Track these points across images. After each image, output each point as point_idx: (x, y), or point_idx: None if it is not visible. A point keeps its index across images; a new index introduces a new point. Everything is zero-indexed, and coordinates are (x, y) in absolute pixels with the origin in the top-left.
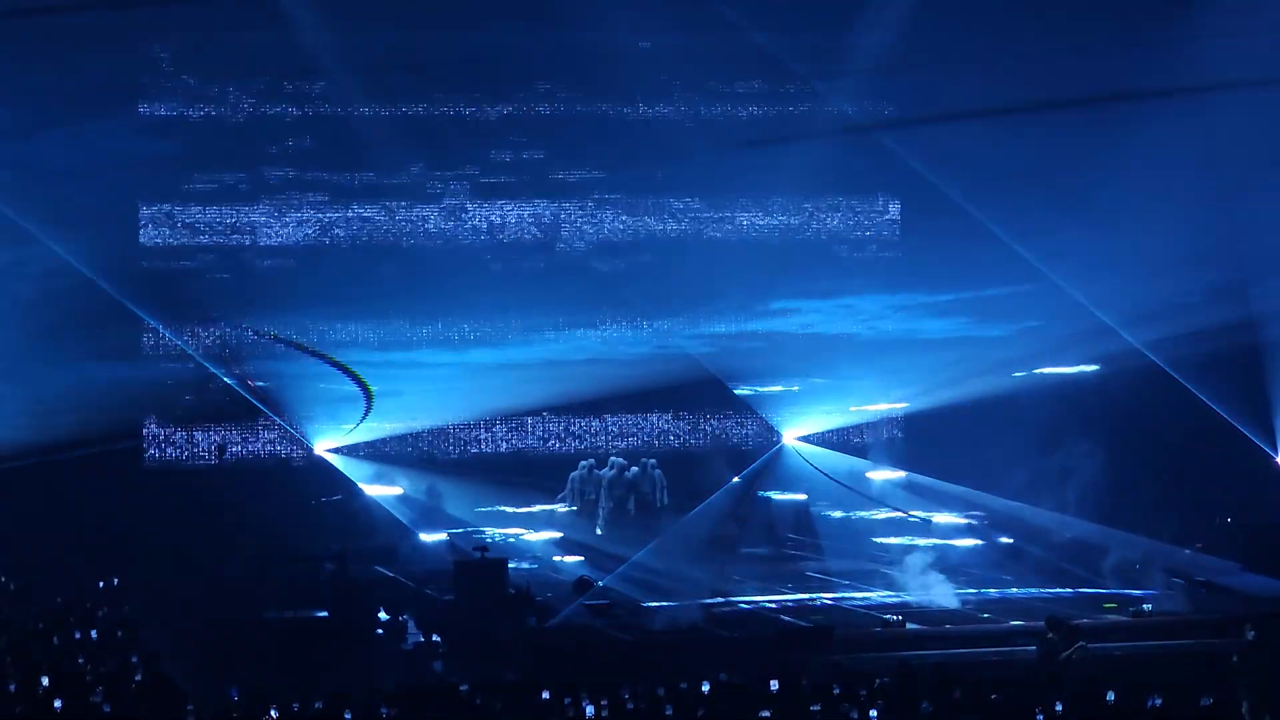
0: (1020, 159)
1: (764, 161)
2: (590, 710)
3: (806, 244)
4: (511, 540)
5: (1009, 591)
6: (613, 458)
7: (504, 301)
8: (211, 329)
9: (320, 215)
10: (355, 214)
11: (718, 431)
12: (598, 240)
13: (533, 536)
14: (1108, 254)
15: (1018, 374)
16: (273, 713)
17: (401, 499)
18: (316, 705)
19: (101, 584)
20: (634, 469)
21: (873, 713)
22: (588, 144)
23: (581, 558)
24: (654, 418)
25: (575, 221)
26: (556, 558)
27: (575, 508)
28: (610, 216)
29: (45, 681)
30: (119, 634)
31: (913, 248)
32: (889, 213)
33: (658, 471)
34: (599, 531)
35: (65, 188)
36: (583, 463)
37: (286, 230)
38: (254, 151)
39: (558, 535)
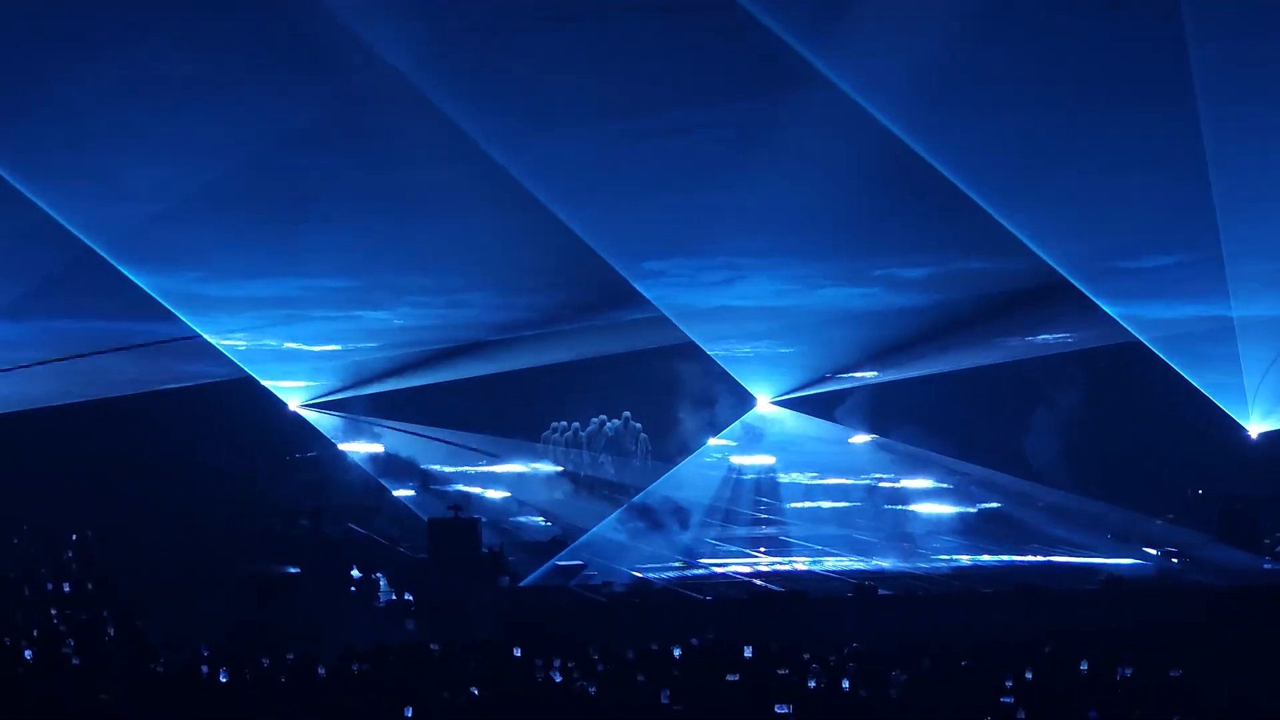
0: (1004, 133)
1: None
2: (559, 677)
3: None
4: (485, 498)
5: (980, 558)
6: (599, 417)
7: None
8: None
9: None
10: None
11: (696, 391)
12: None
13: (504, 495)
14: (1088, 228)
15: (996, 344)
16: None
17: (376, 456)
18: (289, 654)
19: (75, 536)
20: (614, 422)
21: (845, 682)
22: None
23: (550, 521)
24: (635, 374)
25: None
26: (530, 517)
27: (555, 465)
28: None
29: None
30: (89, 586)
31: (892, 217)
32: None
33: (638, 424)
34: (579, 488)
35: None
36: (558, 424)
37: None
38: None
39: (535, 493)
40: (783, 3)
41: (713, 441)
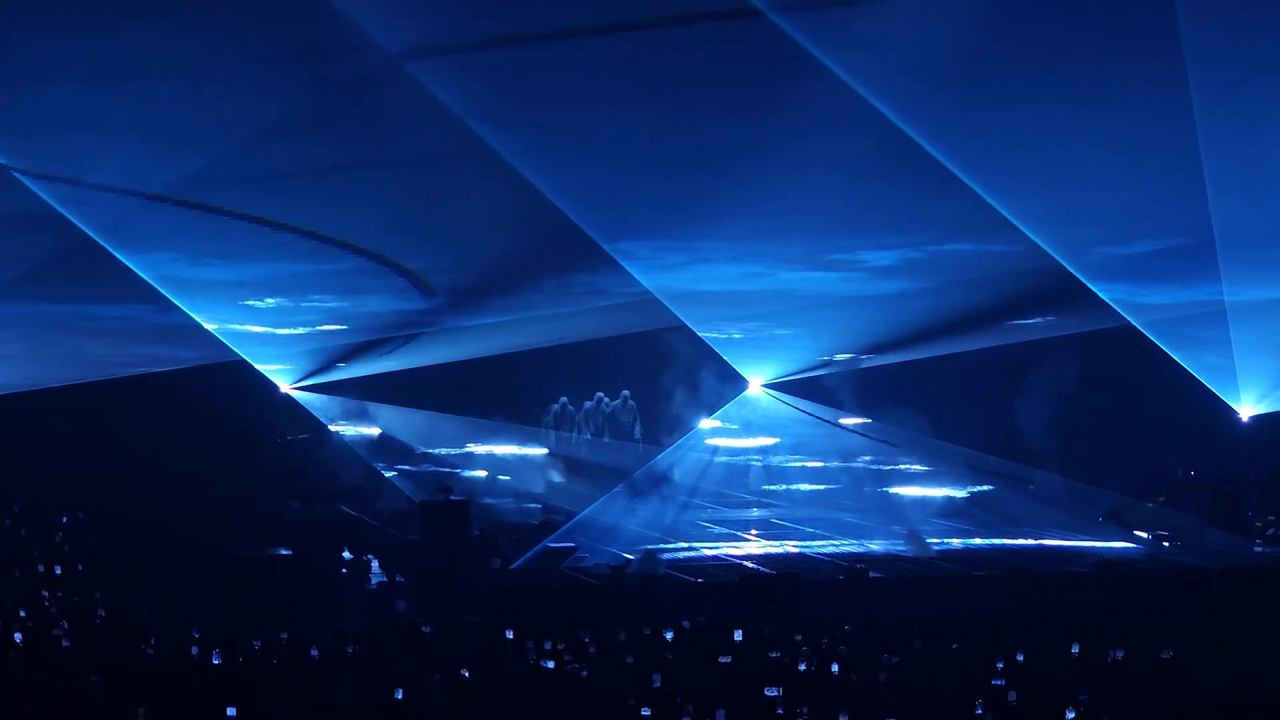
0: (994, 119)
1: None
2: (549, 663)
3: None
4: (478, 479)
5: (972, 541)
6: (599, 394)
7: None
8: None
9: None
10: None
11: (687, 374)
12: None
13: (496, 476)
14: (1080, 212)
15: (987, 327)
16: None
17: (368, 438)
18: (282, 634)
19: (66, 518)
20: (613, 401)
21: (834, 666)
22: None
23: (542, 502)
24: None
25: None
26: (522, 499)
27: (550, 447)
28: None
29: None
30: (80, 568)
31: (881, 201)
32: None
33: (633, 403)
34: (574, 469)
35: None
36: (553, 405)
37: None
38: None
39: (529, 474)
40: None
41: (704, 424)
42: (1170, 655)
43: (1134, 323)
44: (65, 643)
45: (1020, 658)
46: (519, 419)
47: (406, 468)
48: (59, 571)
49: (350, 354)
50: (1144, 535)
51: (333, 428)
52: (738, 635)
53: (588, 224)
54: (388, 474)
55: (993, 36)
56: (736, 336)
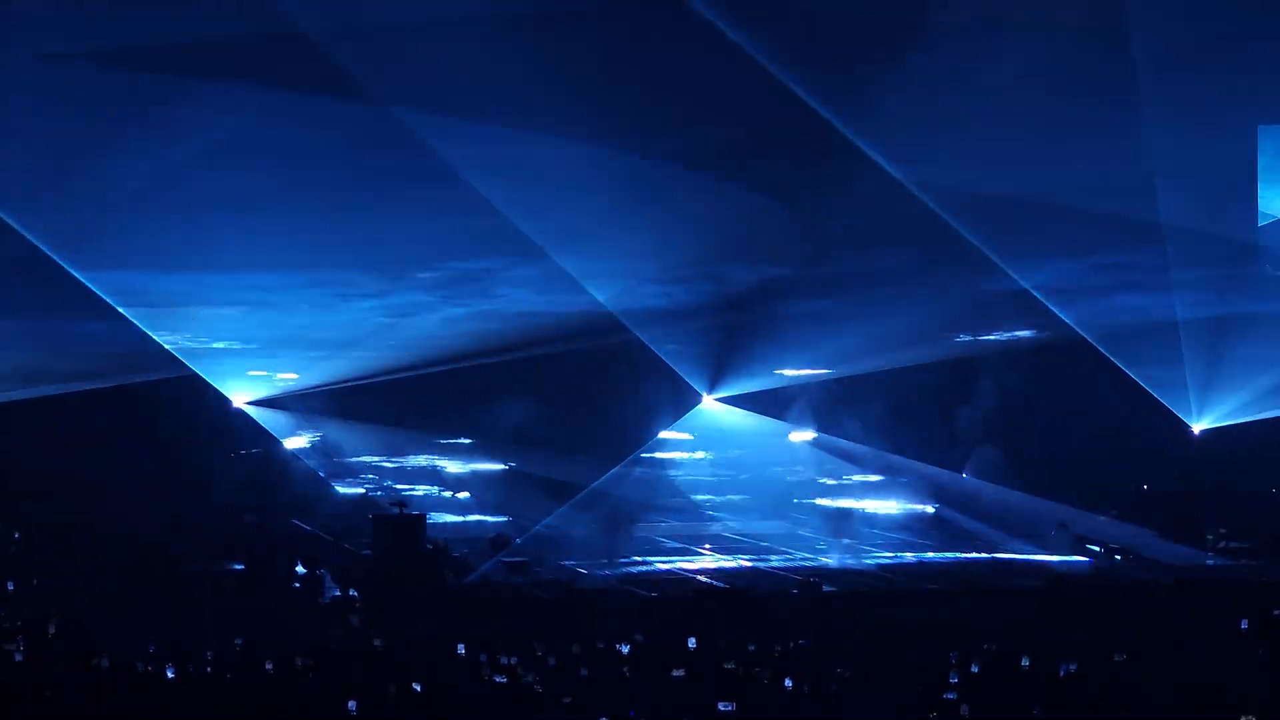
0: (950, 130)
1: None
2: (501, 678)
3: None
4: (430, 494)
5: (924, 555)
6: (550, 407)
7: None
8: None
9: None
10: None
11: (641, 388)
12: None
13: (449, 491)
14: (1031, 224)
15: (940, 340)
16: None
17: (321, 452)
18: (236, 648)
19: (18, 534)
20: (564, 414)
21: (787, 681)
22: None
23: (496, 517)
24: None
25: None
26: (476, 513)
27: (502, 460)
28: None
29: None
30: (35, 583)
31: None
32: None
33: (586, 416)
34: (525, 485)
35: None
36: (506, 419)
37: None
38: None
39: (481, 489)
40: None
41: (660, 437)
42: (1123, 665)
43: (1085, 336)
44: (18, 657)
45: (975, 669)
46: (472, 433)
47: (360, 482)
48: (12, 587)
49: (303, 367)
50: (1096, 549)
51: (286, 441)
52: (691, 643)
53: (538, 235)
54: (341, 488)
55: (951, 57)
56: (687, 351)
